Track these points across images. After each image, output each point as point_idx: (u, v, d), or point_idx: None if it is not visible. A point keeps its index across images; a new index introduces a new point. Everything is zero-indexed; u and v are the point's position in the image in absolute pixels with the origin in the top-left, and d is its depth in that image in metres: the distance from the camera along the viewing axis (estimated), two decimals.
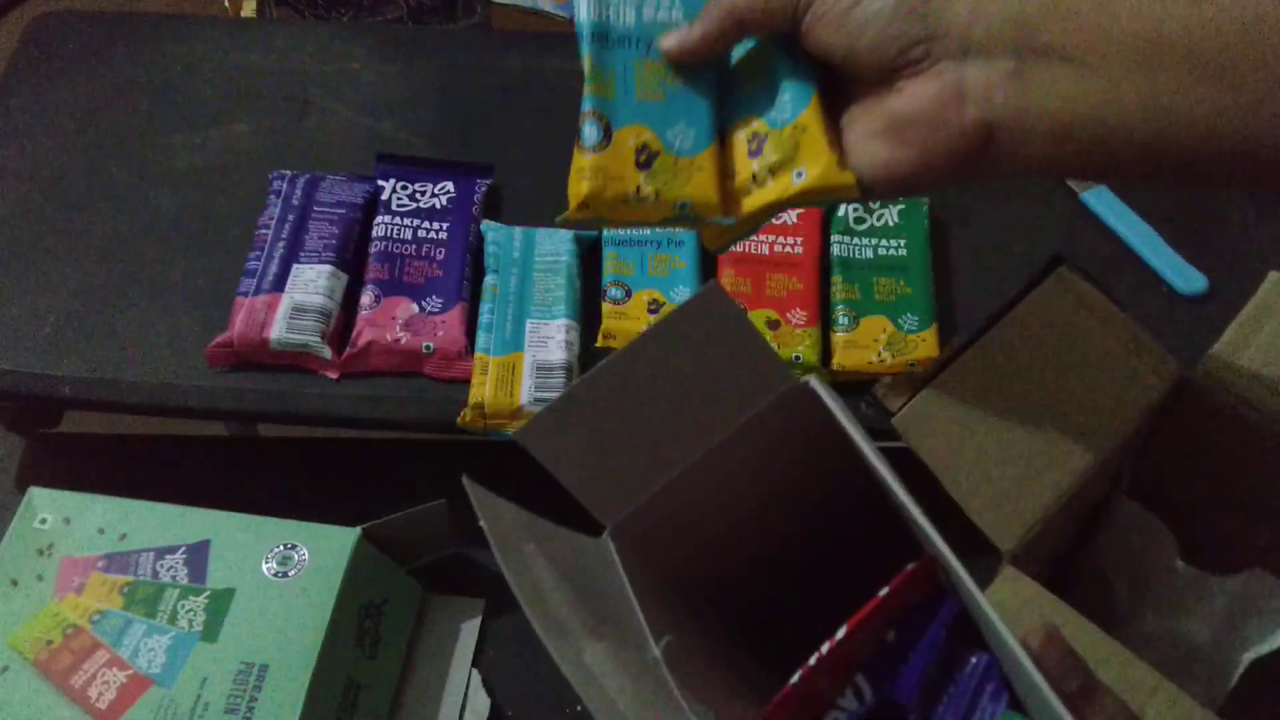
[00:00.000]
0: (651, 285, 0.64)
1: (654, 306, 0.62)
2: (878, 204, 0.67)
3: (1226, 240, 0.69)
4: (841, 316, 0.62)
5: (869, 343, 0.61)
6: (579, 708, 0.56)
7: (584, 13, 0.43)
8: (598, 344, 0.62)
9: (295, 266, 0.63)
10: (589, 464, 0.36)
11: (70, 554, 0.52)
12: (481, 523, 0.33)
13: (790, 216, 0.66)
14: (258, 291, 0.62)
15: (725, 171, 0.41)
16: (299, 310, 0.61)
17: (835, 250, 0.65)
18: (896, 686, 0.34)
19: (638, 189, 0.40)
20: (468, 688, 0.56)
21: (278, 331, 0.60)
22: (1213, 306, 0.65)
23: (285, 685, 0.48)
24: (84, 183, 0.70)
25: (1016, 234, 0.69)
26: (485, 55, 0.80)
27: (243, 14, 1.12)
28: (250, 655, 0.49)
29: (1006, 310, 0.46)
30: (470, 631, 0.58)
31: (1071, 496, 0.43)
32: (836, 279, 0.64)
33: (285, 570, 0.52)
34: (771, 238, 0.65)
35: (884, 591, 0.34)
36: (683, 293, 0.63)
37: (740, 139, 0.41)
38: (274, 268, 0.63)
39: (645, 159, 0.41)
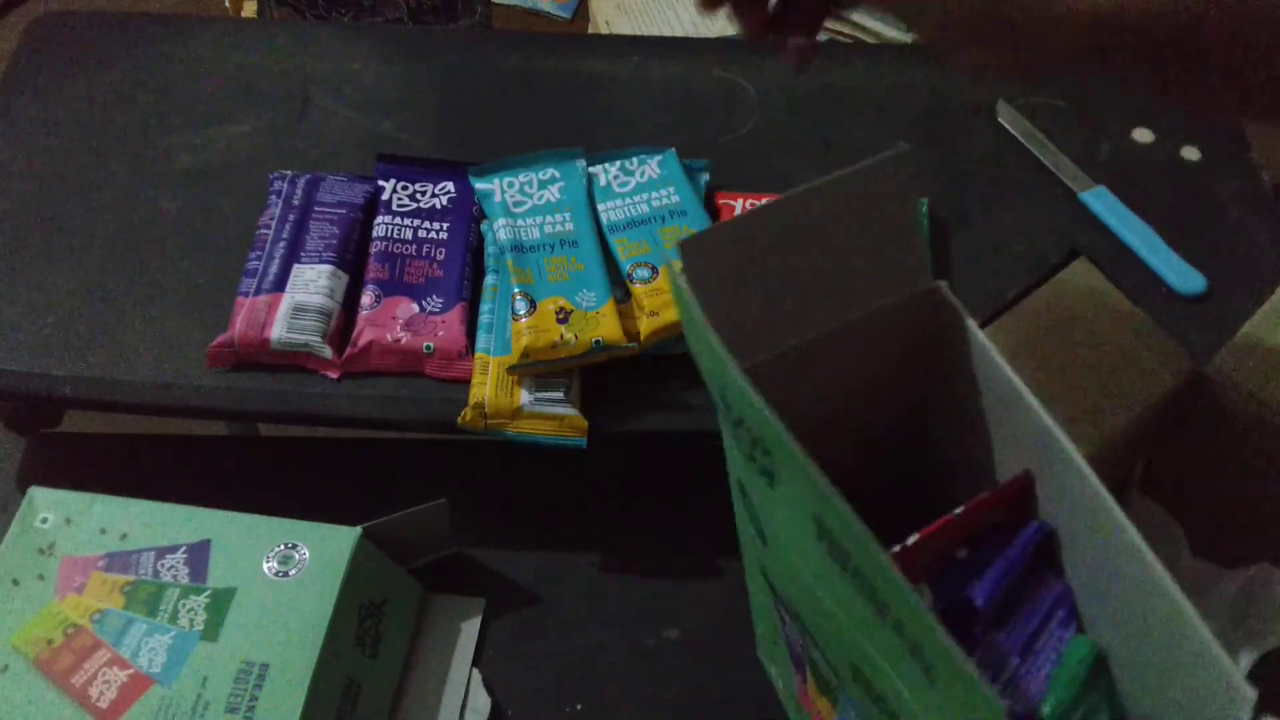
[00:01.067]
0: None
1: (562, 315, 0.59)
2: None
3: (1225, 240, 0.69)
4: None
5: None
6: (579, 707, 0.56)
7: (502, 236, 0.62)
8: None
9: (296, 266, 0.63)
10: (731, 297, 0.36)
11: (71, 553, 0.52)
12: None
13: None
14: (258, 291, 0.62)
15: (624, 314, 0.58)
16: (299, 310, 0.61)
17: None
18: (971, 594, 0.34)
19: (561, 336, 0.57)
20: (468, 687, 0.56)
21: (278, 331, 0.60)
22: (1211, 306, 0.65)
23: (286, 685, 0.48)
24: (85, 183, 0.70)
25: (1016, 234, 0.69)
26: (485, 55, 0.80)
27: (243, 14, 1.12)
28: (251, 654, 0.49)
29: (1020, 297, 0.46)
30: (470, 631, 0.58)
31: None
32: None
33: (286, 570, 0.52)
34: None
35: (959, 510, 0.35)
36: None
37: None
38: (274, 268, 0.63)
39: (563, 317, 0.58)
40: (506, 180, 0.67)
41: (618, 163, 0.68)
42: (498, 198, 0.66)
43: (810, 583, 0.35)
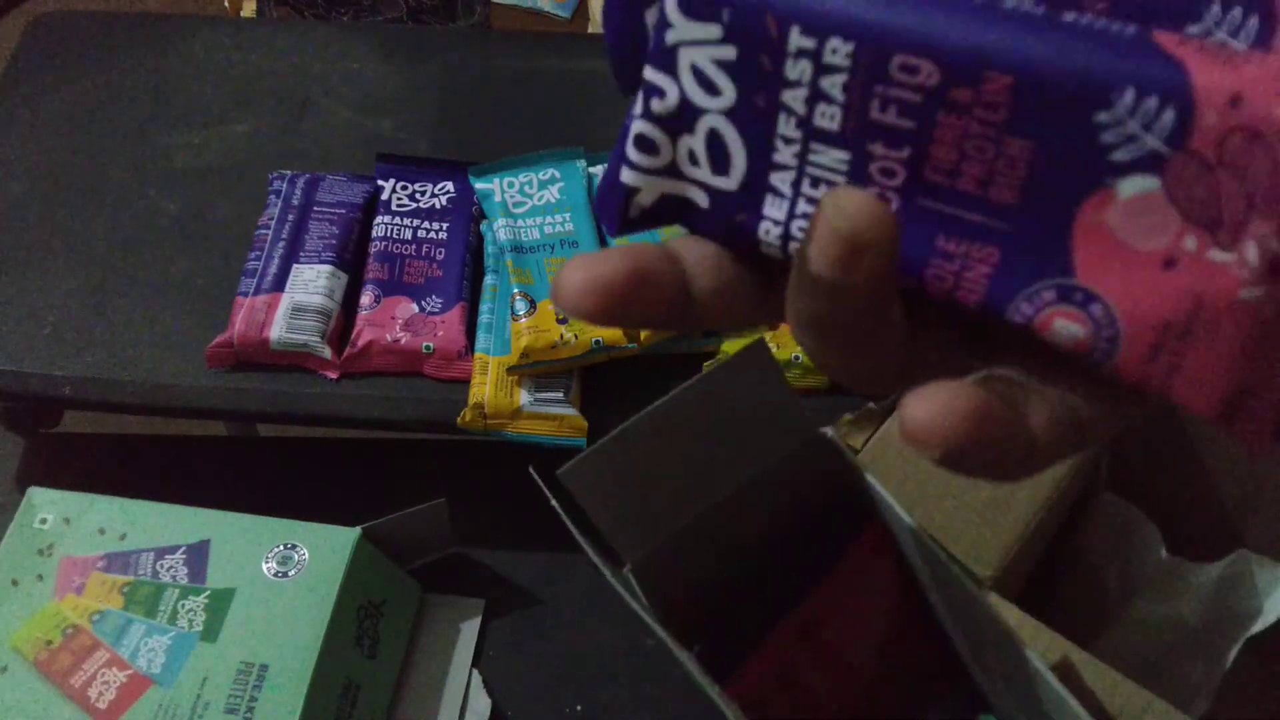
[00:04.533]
0: None
1: (563, 316, 0.59)
2: None
3: None
4: None
5: None
6: (579, 708, 0.56)
7: (502, 236, 0.61)
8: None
9: (295, 266, 0.63)
10: (621, 504, 0.39)
11: (70, 554, 0.52)
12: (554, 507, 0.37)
13: None
14: (257, 291, 0.62)
15: None
16: (299, 310, 0.61)
17: None
18: None
19: (561, 336, 0.57)
20: (468, 688, 0.56)
21: (277, 331, 0.60)
22: None
23: (285, 685, 0.48)
24: (84, 182, 0.70)
25: None
26: (485, 55, 0.80)
27: (243, 14, 1.12)
28: (250, 655, 0.49)
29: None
30: (470, 631, 0.57)
31: (1048, 509, 0.43)
32: None
33: (285, 570, 0.52)
34: None
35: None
36: None
37: None
38: (274, 267, 0.63)
39: (563, 317, 0.57)
40: (506, 180, 0.67)
41: None
42: (498, 198, 0.66)
43: None
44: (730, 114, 0.20)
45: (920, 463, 0.43)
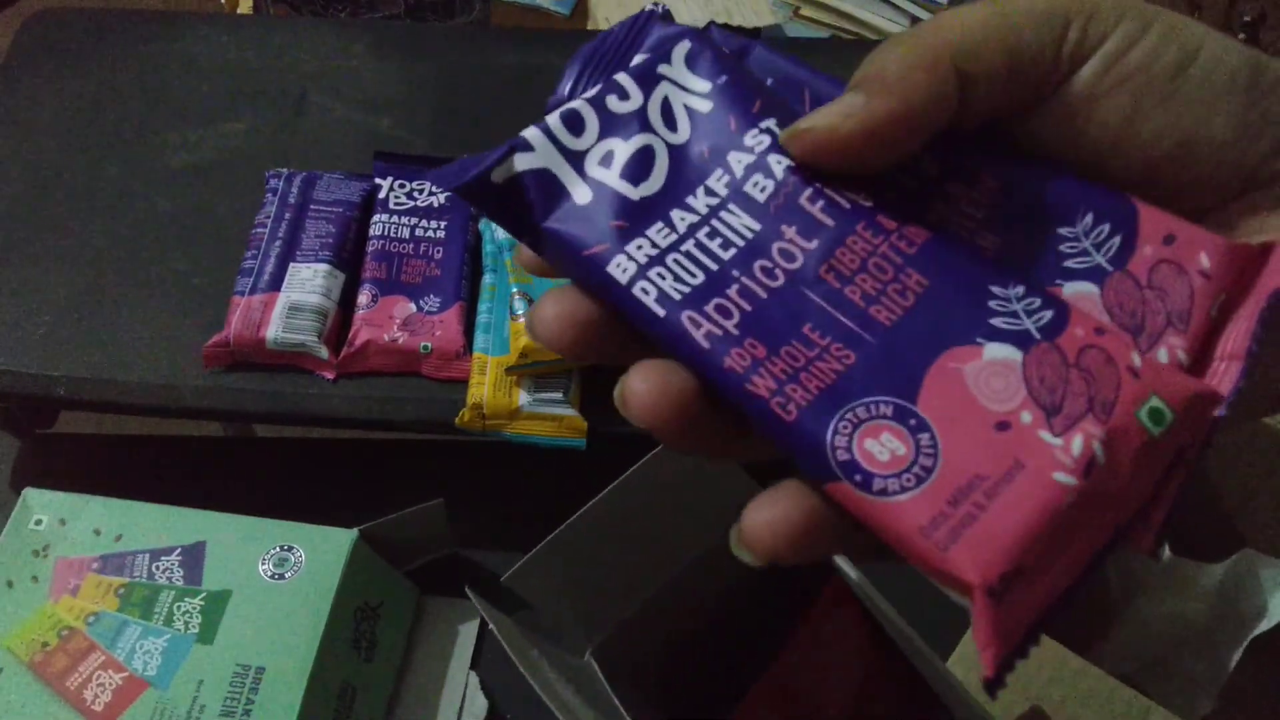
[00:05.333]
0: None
1: None
2: None
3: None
4: None
5: None
6: None
7: (501, 234, 0.60)
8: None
9: (292, 265, 0.62)
10: (571, 597, 0.39)
11: (66, 555, 0.52)
12: (492, 627, 0.36)
13: None
14: (254, 291, 0.61)
15: None
16: (295, 309, 0.60)
17: None
18: None
19: None
20: (465, 690, 0.55)
21: (274, 331, 0.60)
22: None
23: (282, 688, 0.48)
24: (79, 181, 0.69)
25: None
26: (483, 52, 0.79)
27: (239, 11, 1.11)
28: (246, 658, 0.49)
29: None
30: (468, 633, 0.57)
31: None
32: None
33: (282, 572, 0.51)
34: None
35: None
36: None
37: None
38: (270, 266, 0.62)
39: None
40: None
41: None
42: None
43: None
44: (673, 148, 0.22)
45: None
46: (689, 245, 0.21)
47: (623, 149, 0.22)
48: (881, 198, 0.21)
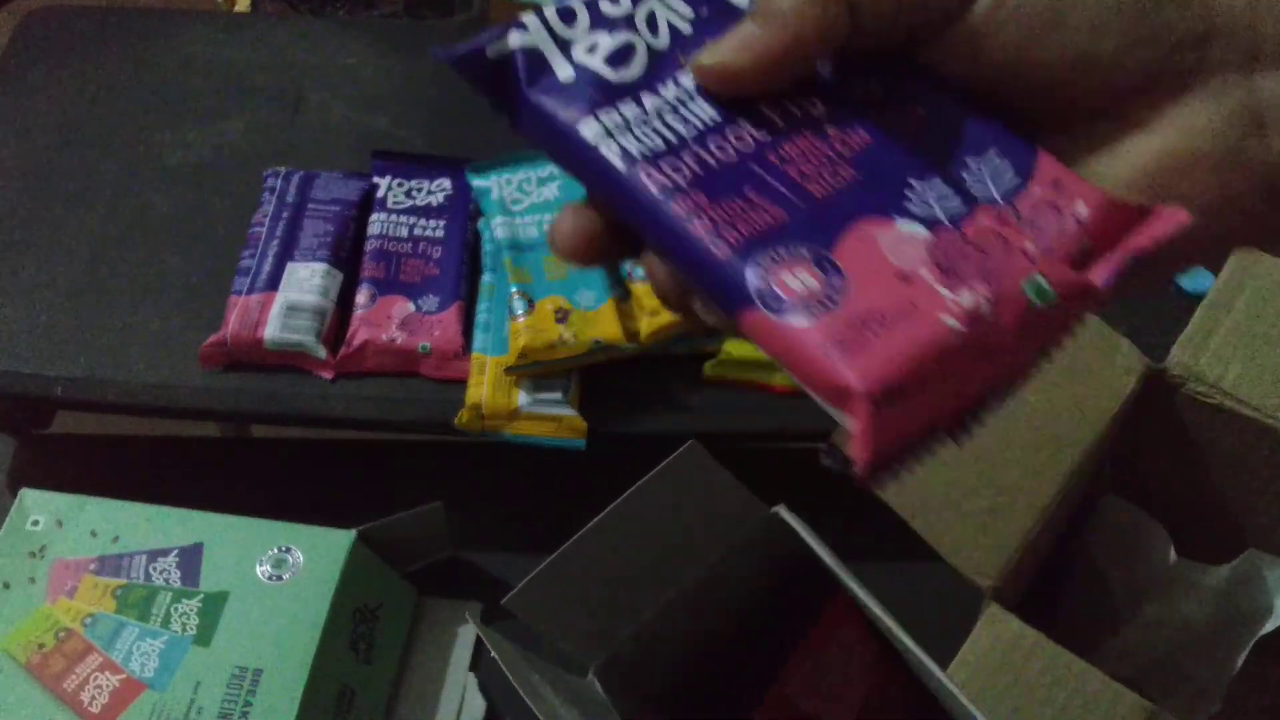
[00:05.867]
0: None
1: (561, 315, 0.58)
2: None
3: None
4: None
5: None
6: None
7: (500, 234, 0.60)
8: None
9: (289, 265, 0.62)
10: (573, 617, 0.39)
11: (62, 556, 0.52)
12: (493, 653, 0.37)
13: None
14: (251, 290, 0.61)
15: (624, 313, 0.58)
16: (293, 309, 0.60)
17: None
18: None
19: (560, 336, 0.56)
20: (464, 692, 0.55)
21: (272, 331, 0.59)
22: None
23: (279, 690, 0.47)
24: (76, 180, 0.69)
25: None
26: None
27: (236, 9, 1.11)
28: (244, 659, 0.48)
29: None
30: (467, 635, 0.57)
31: (1049, 515, 0.42)
32: None
33: (279, 573, 0.51)
34: None
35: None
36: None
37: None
38: (268, 266, 0.62)
39: (562, 316, 0.57)
40: (505, 177, 0.66)
41: None
42: (495, 195, 0.65)
43: None
44: (653, 49, 0.25)
45: (922, 474, 0.43)
46: (655, 122, 0.24)
47: (607, 41, 0.25)
48: (829, 110, 0.25)
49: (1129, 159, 0.25)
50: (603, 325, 0.58)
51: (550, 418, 0.57)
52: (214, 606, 0.50)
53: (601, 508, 0.63)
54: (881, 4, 0.24)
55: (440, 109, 0.75)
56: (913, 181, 0.24)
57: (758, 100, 0.25)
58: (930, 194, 0.24)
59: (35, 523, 0.53)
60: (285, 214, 0.65)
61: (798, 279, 0.22)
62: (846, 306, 0.22)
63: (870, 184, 0.24)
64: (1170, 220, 0.24)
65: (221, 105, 0.73)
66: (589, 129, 0.24)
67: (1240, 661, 0.47)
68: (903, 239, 0.23)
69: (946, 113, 0.26)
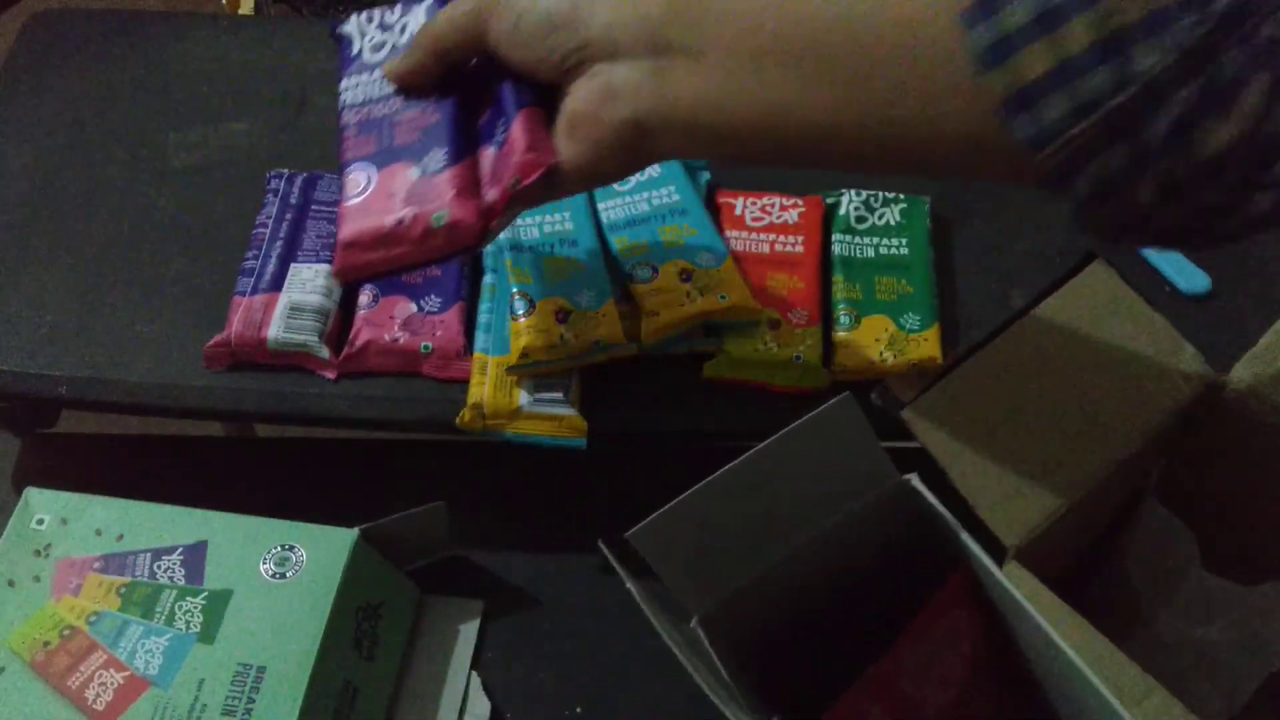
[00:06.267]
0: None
1: (562, 315, 0.58)
2: (879, 203, 0.67)
3: None
4: (843, 316, 0.62)
5: (870, 342, 0.61)
6: (579, 709, 0.56)
7: (501, 235, 0.60)
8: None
9: (293, 266, 0.62)
10: (691, 561, 0.39)
11: (67, 555, 0.52)
12: (622, 574, 0.37)
13: (791, 215, 0.66)
14: (255, 291, 0.61)
15: (624, 314, 0.59)
16: (296, 310, 0.60)
17: (836, 249, 0.65)
18: None
19: (560, 336, 0.57)
20: (466, 690, 0.55)
21: (275, 331, 0.60)
22: (1216, 306, 0.65)
23: (283, 687, 0.48)
24: (80, 181, 0.70)
25: (1019, 233, 0.69)
26: None
27: (240, 12, 1.12)
28: (248, 657, 0.49)
29: (1034, 303, 0.45)
30: (469, 633, 0.57)
31: (1085, 498, 0.42)
32: (838, 278, 0.64)
33: (283, 571, 0.51)
34: (772, 237, 0.65)
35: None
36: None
37: (671, 270, 0.60)
38: (271, 267, 0.62)
39: (562, 317, 0.58)
40: None
41: None
42: None
43: None
44: (396, 48, 0.49)
45: (968, 423, 0.42)
46: (369, 86, 0.49)
47: (378, 37, 0.50)
48: (439, 94, 0.46)
49: (562, 112, 0.42)
50: (604, 326, 0.58)
51: (551, 417, 0.57)
52: (218, 604, 0.50)
53: (601, 507, 0.63)
54: (461, 51, 0.46)
55: None
56: (437, 141, 0.45)
57: (408, 87, 0.47)
58: (441, 150, 0.45)
59: (40, 521, 0.53)
60: (288, 215, 0.65)
61: (358, 184, 0.46)
62: (364, 200, 0.45)
63: (420, 141, 0.45)
64: (545, 160, 0.42)
65: (225, 107, 0.74)
66: (347, 82, 0.50)
67: (1250, 693, 0.46)
68: (406, 176, 0.45)
69: (500, 92, 0.44)
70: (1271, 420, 0.45)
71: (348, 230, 0.45)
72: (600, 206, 0.65)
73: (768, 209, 0.66)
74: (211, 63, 0.77)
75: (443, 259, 0.45)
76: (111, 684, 0.48)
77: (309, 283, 0.61)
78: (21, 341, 0.62)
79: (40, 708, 0.47)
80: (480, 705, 0.55)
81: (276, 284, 0.62)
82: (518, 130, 0.43)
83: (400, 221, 0.44)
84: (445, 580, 0.59)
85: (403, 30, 0.50)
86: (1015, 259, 0.67)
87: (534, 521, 0.63)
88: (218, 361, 0.61)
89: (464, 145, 0.45)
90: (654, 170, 0.67)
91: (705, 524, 0.38)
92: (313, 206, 0.65)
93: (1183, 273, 0.66)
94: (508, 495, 0.64)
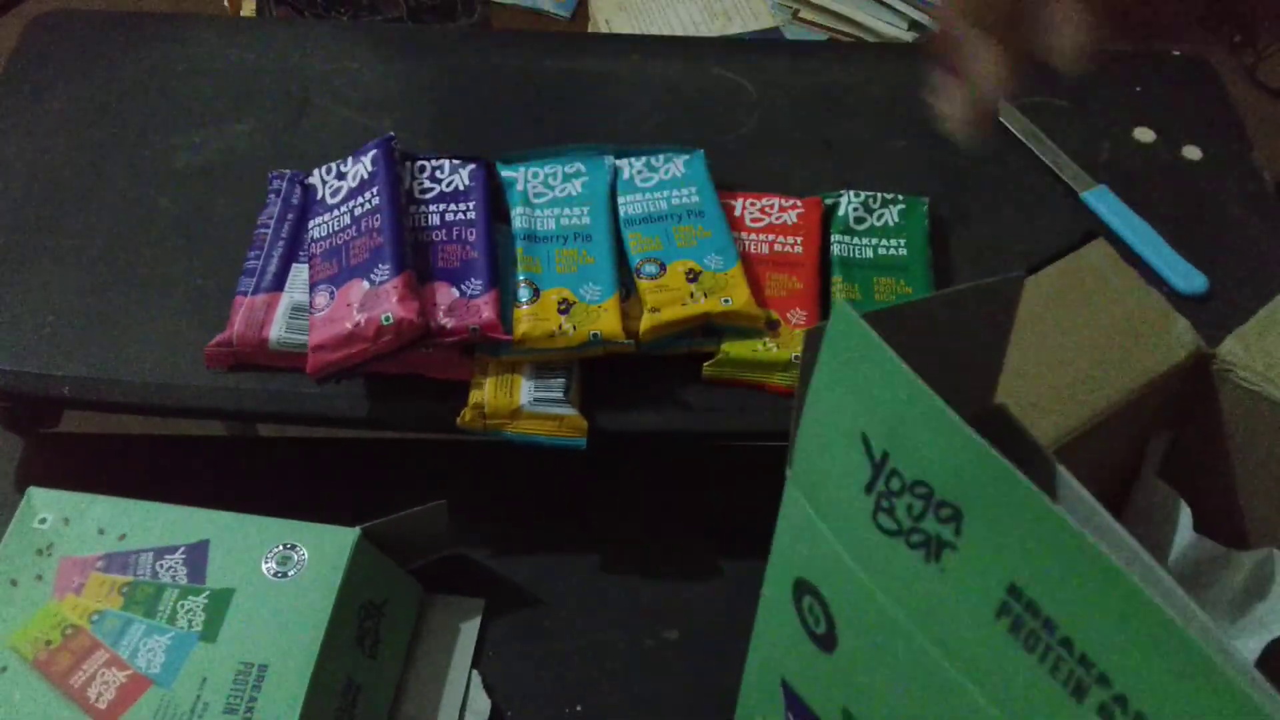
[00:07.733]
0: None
1: (564, 306, 0.59)
2: (877, 204, 0.67)
3: (1227, 240, 0.69)
4: None
5: None
6: (579, 708, 0.56)
7: (517, 224, 0.64)
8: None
9: (295, 265, 0.63)
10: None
11: (69, 554, 0.52)
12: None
13: (790, 216, 0.66)
14: (257, 291, 0.62)
15: (628, 311, 0.60)
16: (298, 309, 0.61)
17: (835, 250, 0.65)
18: None
19: (560, 326, 0.58)
20: (467, 688, 0.56)
21: (277, 331, 0.60)
22: (1213, 306, 0.65)
23: (285, 686, 0.48)
24: (83, 182, 0.70)
25: (1016, 234, 0.69)
26: (485, 54, 0.80)
27: (242, 13, 1.12)
28: (250, 655, 0.49)
29: (1033, 271, 0.46)
30: (470, 632, 0.57)
31: (1068, 446, 0.42)
32: (837, 279, 0.64)
33: (285, 570, 0.51)
34: (772, 238, 0.65)
35: None
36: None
37: (679, 269, 0.61)
38: (273, 267, 0.63)
39: (564, 308, 0.59)
40: (531, 170, 0.67)
41: (644, 158, 0.68)
42: (520, 187, 0.66)
43: (942, 682, 0.31)
44: (350, 189, 0.64)
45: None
46: (331, 221, 0.62)
47: (335, 185, 0.63)
48: (382, 224, 0.59)
49: None
50: (604, 320, 0.58)
51: (551, 417, 0.58)
52: (220, 603, 0.50)
53: (601, 506, 0.63)
54: None
55: (443, 112, 0.76)
56: (382, 259, 0.57)
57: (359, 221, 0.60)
58: (385, 265, 0.57)
59: (43, 521, 0.53)
60: (290, 215, 0.65)
61: (323, 300, 0.57)
62: (328, 312, 0.57)
63: (368, 260, 0.57)
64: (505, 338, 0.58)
65: (227, 109, 0.74)
66: (315, 220, 0.62)
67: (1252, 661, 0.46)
68: (360, 288, 0.56)
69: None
70: (1259, 388, 0.45)
71: (316, 336, 0.57)
72: (620, 201, 0.66)
73: (767, 209, 0.67)
74: (213, 64, 0.77)
75: (395, 352, 0.56)
76: (114, 683, 0.48)
77: None
78: (24, 341, 0.62)
79: (42, 706, 0.48)
80: (480, 703, 0.55)
81: (278, 284, 0.62)
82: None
83: (357, 324, 0.56)
84: (446, 579, 0.59)
85: (355, 178, 0.63)
86: (1012, 259, 0.67)
87: (534, 521, 0.63)
88: (220, 361, 0.61)
89: (404, 259, 0.58)
90: (677, 170, 0.67)
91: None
92: (314, 207, 0.66)
93: (1180, 273, 0.66)
94: (508, 495, 0.64)
